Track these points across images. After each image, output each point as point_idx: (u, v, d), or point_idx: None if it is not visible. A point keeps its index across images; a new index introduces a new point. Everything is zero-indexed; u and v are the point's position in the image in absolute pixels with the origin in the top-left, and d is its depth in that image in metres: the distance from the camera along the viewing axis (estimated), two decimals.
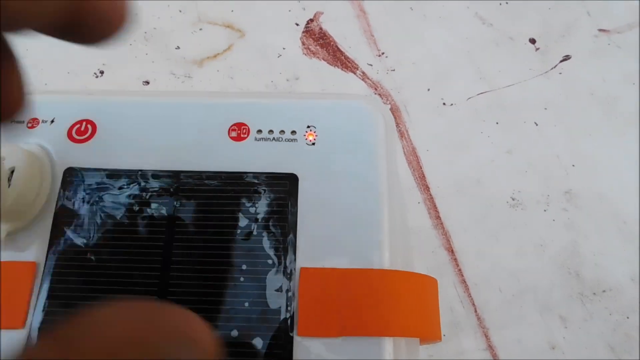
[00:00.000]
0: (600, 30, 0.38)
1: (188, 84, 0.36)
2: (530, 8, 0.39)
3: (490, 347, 0.30)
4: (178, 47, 0.37)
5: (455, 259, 0.32)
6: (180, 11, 0.38)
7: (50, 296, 0.16)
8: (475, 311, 0.31)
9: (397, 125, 0.35)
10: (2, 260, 0.17)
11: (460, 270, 0.32)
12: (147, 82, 0.36)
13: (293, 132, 0.18)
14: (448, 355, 0.30)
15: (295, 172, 0.17)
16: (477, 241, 0.32)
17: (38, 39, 0.37)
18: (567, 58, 0.37)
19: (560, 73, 0.37)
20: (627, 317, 0.31)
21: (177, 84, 0.36)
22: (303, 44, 0.37)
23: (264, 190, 0.17)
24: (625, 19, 0.38)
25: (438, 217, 0.33)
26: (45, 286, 0.16)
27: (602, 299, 0.31)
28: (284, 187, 0.17)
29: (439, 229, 0.33)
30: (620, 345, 0.30)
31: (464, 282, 0.32)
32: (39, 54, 0.37)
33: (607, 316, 0.31)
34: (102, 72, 0.36)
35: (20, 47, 0.39)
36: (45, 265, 0.17)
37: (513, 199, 0.33)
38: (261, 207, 0.17)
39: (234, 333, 0.15)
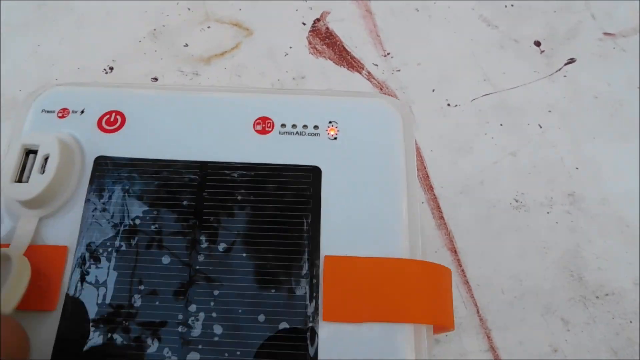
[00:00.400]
0: (605, 33, 0.38)
1: (195, 81, 0.36)
2: (536, 11, 0.39)
3: (493, 349, 0.30)
4: (186, 45, 0.38)
5: (458, 260, 0.32)
6: (188, 9, 0.39)
7: (81, 280, 0.17)
8: (478, 312, 0.31)
9: None
10: (35, 244, 0.17)
11: (463, 270, 0.32)
12: (156, 79, 0.36)
13: (315, 127, 0.19)
14: (450, 356, 0.30)
15: (319, 165, 0.18)
16: (480, 242, 0.33)
17: (48, 35, 0.38)
18: (571, 61, 0.37)
19: (564, 76, 0.37)
20: (630, 322, 0.31)
21: (184, 81, 0.36)
22: (309, 43, 0.38)
23: (289, 181, 0.18)
24: (630, 22, 0.38)
25: (441, 218, 0.33)
26: (77, 270, 0.17)
27: (605, 303, 0.31)
28: (308, 179, 0.18)
29: (442, 229, 0.33)
30: (623, 349, 0.30)
31: (466, 282, 0.32)
32: (49, 50, 0.38)
33: (610, 320, 0.31)
34: (111, 69, 0.37)
35: (31, 44, 0.39)
36: (76, 250, 0.17)
37: (516, 201, 0.34)
38: (286, 197, 0.17)
39: (261, 318, 0.16)
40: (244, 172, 0.18)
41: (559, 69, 0.37)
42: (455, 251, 0.32)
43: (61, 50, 0.37)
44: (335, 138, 0.18)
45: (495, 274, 0.32)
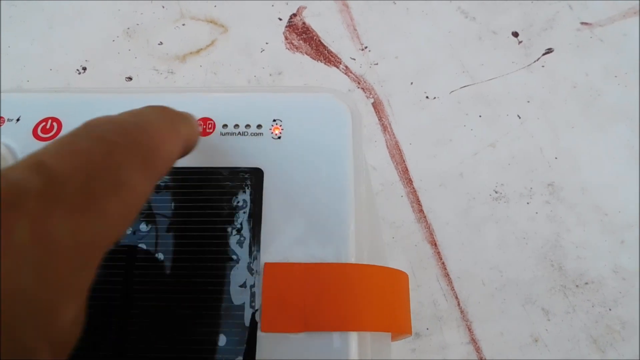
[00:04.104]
0: (582, 23, 0.38)
1: (171, 80, 0.36)
2: (513, 2, 0.39)
3: (474, 340, 0.30)
4: (161, 43, 0.37)
5: (439, 252, 0.32)
6: (163, 7, 0.38)
7: None
8: (458, 304, 0.31)
9: (380, 119, 0.35)
10: None
11: (443, 263, 0.32)
12: (130, 78, 0.36)
13: (259, 127, 0.18)
14: (431, 349, 0.30)
15: (260, 167, 0.17)
16: (460, 234, 0.32)
17: (19, 35, 0.37)
18: (549, 51, 0.37)
19: (542, 66, 0.37)
20: (609, 309, 0.31)
21: (159, 79, 0.36)
22: (286, 38, 0.37)
23: (229, 185, 0.17)
24: (606, 12, 0.38)
25: (421, 211, 0.33)
26: None
27: (585, 291, 0.31)
28: (249, 181, 0.17)
29: (422, 223, 0.33)
30: (602, 337, 0.30)
31: (447, 275, 0.32)
32: (21, 51, 0.37)
33: (590, 308, 0.31)
34: (84, 69, 0.36)
35: (1, 45, 0.38)
36: None
37: (496, 192, 0.33)
38: (225, 202, 0.17)
39: (197, 330, 0.15)
40: (182, 177, 0.17)
41: (537, 60, 0.37)
42: (435, 244, 0.32)
43: (32, 51, 0.36)
44: (280, 137, 0.17)
45: (475, 265, 0.32)
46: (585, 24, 0.38)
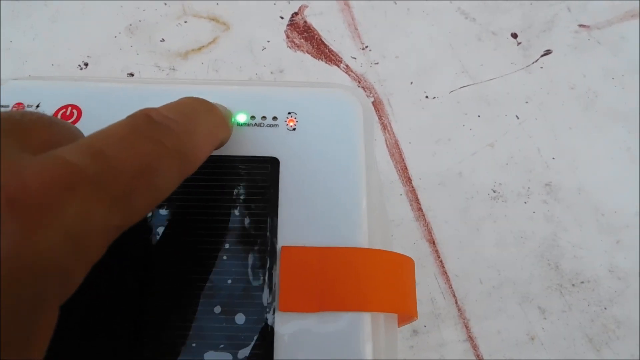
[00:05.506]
0: (580, 25, 0.38)
1: (172, 77, 0.36)
2: (512, 3, 0.39)
3: (471, 338, 0.31)
4: (163, 40, 0.37)
5: (437, 251, 0.32)
6: (165, 4, 0.38)
7: None
8: (456, 302, 0.31)
9: (380, 118, 0.36)
10: None
11: (441, 261, 0.32)
12: (132, 74, 0.36)
13: (274, 118, 0.18)
14: (429, 346, 0.31)
15: (277, 156, 0.18)
16: (458, 233, 0.33)
17: (21, 30, 0.37)
18: (548, 53, 0.37)
19: (541, 67, 0.37)
20: (605, 308, 0.31)
21: (161, 76, 0.36)
22: (287, 37, 0.37)
23: (247, 172, 0.18)
24: (604, 15, 0.38)
25: (420, 209, 0.33)
26: None
27: (581, 290, 0.32)
28: (266, 169, 0.18)
29: (421, 221, 0.33)
30: (598, 335, 0.31)
31: (445, 273, 0.32)
32: (22, 46, 0.37)
33: (585, 307, 0.31)
34: (86, 64, 0.36)
35: (4, 40, 0.38)
36: None
37: (494, 191, 0.34)
38: (244, 189, 0.17)
39: (217, 309, 0.16)
40: (203, 165, 0.18)
41: (536, 61, 0.37)
42: (434, 242, 0.33)
43: (35, 46, 0.36)
44: (294, 129, 0.18)
45: (473, 264, 0.32)
46: (583, 26, 0.38)
